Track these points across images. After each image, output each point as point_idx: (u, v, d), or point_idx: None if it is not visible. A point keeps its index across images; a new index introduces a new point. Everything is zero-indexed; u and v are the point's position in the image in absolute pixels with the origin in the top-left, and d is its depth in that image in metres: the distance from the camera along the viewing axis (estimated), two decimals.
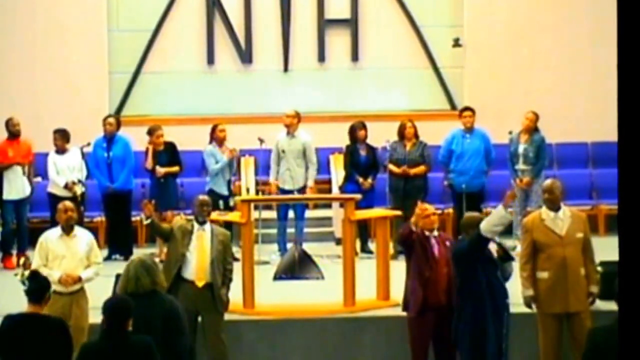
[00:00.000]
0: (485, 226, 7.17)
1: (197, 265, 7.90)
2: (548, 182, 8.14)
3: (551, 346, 7.78)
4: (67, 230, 7.96)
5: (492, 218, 7.21)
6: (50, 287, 6.31)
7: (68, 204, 8.18)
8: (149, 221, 8.08)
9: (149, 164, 11.56)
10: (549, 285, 7.73)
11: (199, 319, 7.98)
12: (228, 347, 8.09)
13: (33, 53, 13.90)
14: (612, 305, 7.37)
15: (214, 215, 9.60)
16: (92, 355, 5.59)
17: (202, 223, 8.10)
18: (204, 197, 8.39)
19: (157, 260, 7.81)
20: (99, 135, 11.85)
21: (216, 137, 11.72)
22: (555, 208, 7.86)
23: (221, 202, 11.19)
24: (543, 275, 7.77)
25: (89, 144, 11.64)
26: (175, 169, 11.71)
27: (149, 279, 6.23)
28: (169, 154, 11.67)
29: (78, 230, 8.09)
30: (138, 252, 10.66)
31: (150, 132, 11.73)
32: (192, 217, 8.45)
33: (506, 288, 7.48)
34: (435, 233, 7.86)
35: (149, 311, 5.93)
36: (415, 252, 7.74)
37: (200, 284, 7.90)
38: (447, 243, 7.82)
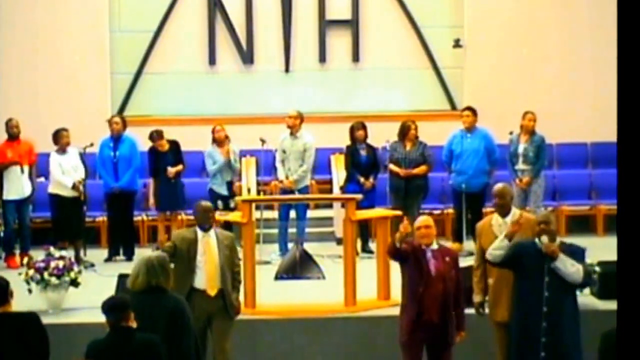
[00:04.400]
0: (489, 251, 7.18)
1: (207, 274, 7.69)
2: (499, 185, 7.86)
3: (503, 355, 7.54)
4: None
5: (495, 243, 7.21)
6: (8, 284, 6.29)
7: None
8: (157, 251, 7.82)
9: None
10: (493, 292, 7.62)
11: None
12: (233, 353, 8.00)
13: (35, 54, 13.93)
14: (611, 305, 7.39)
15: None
16: (99, 353, 5.63)
17: (206, 229, 7.83)
18: (206, 204, 8.07)
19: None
20: (103, 135, 11.86)
21: (214, 138, 11.81)
22: (504, 213, 7.66)
23: (220, 202, 11.26)
24: (490, 282, 7.62)
25: (92, 145, 11.65)
26: (180, 168, 11.78)
27: (145, 277, 6.24)
28: (173, 153, 11.74)
29: None
30: (140, 252, 10.67)
31: (152, 138, 11.79)
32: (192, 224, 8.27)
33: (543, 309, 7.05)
34: (435, 246, 7.41)
35: (153, 309, 5.96)
36: (409, 267, 7.36)
37: (212, 292, 7.70)
38: (447, 258, 7.37)
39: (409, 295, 7.35)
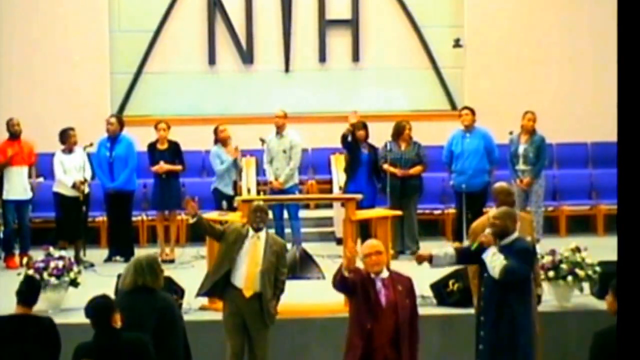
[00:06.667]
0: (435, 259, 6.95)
1: (246, 274, 7.56)
2: (502, 184, 7.71)
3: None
4: None
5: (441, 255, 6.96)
6: (40, 290, 6.36)
7: None
8: (195, 220, 7.61)
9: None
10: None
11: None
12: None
13: (34, 53, 13.94)
14: None
15: (214, 214, 9.64)
16: (86, 355, 5.66)
17: (257, 230, 7.68)
18: (257, 204, 7.84)
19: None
20: (103, 135, 11.85)
21: (219, 138, 11.79)
22: None
23: (224, 203, 11.23)
24: None
25: (91, 145, 11.65)
26: (178, 167, 11.76)
27: (133, 277, 6.31)
28: (172, 152, 11.73)
29: None
30: (139, 252, 10.65)
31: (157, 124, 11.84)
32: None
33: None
34: (385, 274, 6.55)
35: (143, 308, 6.00)
36: (357, 300, 6.48)
37: (248, 293, 7.55)
38: (399, 287, 6.52)
39: (356, 332, 6.48)
